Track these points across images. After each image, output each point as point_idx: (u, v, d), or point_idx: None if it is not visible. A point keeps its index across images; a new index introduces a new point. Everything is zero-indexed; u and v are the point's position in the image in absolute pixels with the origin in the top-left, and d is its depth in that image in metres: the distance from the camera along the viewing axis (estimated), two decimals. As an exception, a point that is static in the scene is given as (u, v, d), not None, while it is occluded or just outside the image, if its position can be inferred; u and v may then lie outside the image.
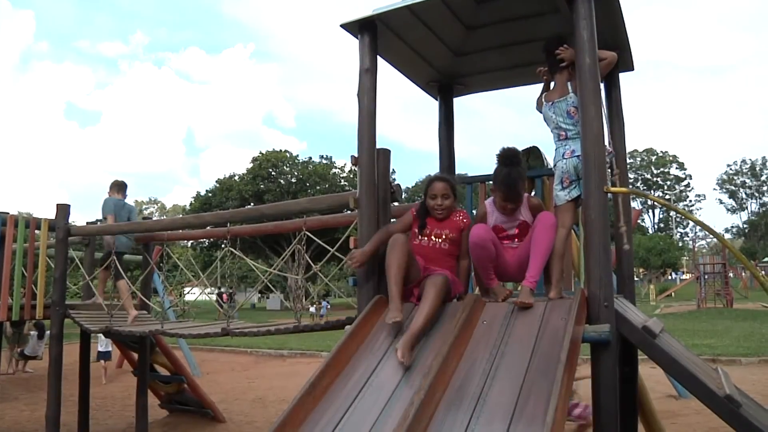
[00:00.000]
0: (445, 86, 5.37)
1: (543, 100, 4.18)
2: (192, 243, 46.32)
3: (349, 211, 4.80)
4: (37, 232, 7.08)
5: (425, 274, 3.68)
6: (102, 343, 11.88)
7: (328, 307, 32.52)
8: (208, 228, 7.38)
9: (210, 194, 48.68)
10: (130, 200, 8.06)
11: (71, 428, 7.60)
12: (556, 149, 4.17)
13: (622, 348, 3.77)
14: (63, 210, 7.10)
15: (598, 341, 3.31)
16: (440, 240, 3.82)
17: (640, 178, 78.29)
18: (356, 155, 4.02)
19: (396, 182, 4.13)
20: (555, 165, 4.18)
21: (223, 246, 6.89)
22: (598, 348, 3.42)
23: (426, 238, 3.84)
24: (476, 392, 2.86)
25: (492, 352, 3.09)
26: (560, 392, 2.62)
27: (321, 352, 14.38)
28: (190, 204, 51.41)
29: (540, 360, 2.96)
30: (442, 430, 2.66)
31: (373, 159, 4.05)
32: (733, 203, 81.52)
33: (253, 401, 9.91)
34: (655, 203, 76.66)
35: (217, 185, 49.38)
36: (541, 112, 4.21)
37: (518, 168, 3.71)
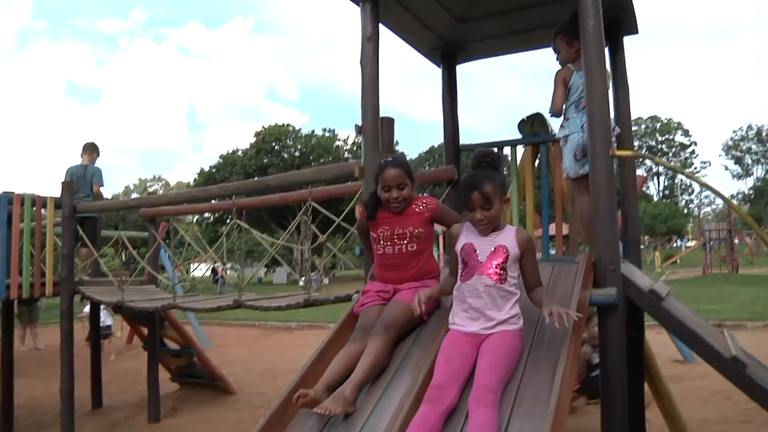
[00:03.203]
0: (447, 53, 5.33)
1: (572, 68, 4.16)
2: (197, 219, 46.49)
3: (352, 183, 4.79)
4: (43, 210, 7.14)
5: (393, 290, 3.21)
6: (104, 317, 11.95)
7: (326, 281, 31.97)
8: (214, 201, 7.42)
9: (214, 170, 48.72)
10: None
11: (85, 402, 7.73)
12: (570, 119, 4.16)
13: (628, 312, 3.78)
14: (68, 188, 7.13)
15: (605, 304, 3.33)
16: (405, 241, 3.19)
17: (644, 145, 77.81)
18: (360, 124, 4.01)
19: (401, 152, 4.12)
20: (568, 136, 4.17)
21: (228, 221, 6.91)
22: (605, 311, 3.44)
23: (389, 244, 3.21)
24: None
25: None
26: (567, 356, 2.63)
27: (328, 323, 14.51)
28: (194, 180, 51.47)
29: (544, 333, 2.96)
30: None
31: (377, 127, 4.05)
32: (739, 169, 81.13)
33: (262, 373, 10.03)
34: (661, 168, 76.42)
35: (221, 161, 49.40)
36: (558, 83, 4.20)
37: (489, 171, 2.82)
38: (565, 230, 5.44)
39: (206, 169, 50.41)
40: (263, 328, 15.99)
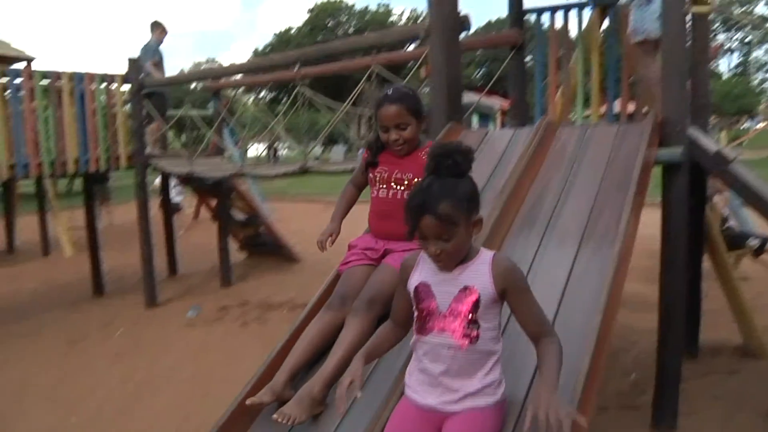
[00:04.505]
0: None
1: None
2: (252, 99, 46.85)
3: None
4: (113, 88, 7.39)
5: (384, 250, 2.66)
6: (174, 195, 12.49)
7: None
8: (275, 74, 7.46)
9: (268, 49, 48.43)
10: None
11: (161, 270, 8.29)
12: None
13: (691, 178, 3.78)
14: (134, 64, 7.31)
15: (670, 163, 3.36)
16: (401, 187, 2.64)
17: (719, 19, 72.73)
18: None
19: (464, 13, 4.05)
20: None
21: (282, 103, 6.96)
22: (669, 171, 3.47)
23: (384, 187, 2.69)
24: (548, 212, 2.99)
25: (565, 174, 3.19)
26: (632, 208, 2.72)
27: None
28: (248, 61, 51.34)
29: (612, 179, 3.04)
30: (515, 249, 2.82)
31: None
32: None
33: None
34: (734, 44, 71.70)
35: (275, 39, 48.97)
36: None
37: (449, 182, 1.74)
38: (630, 108, 5.30)
39: (260, 48, 50.16)
40: (323, 202, 16.42)
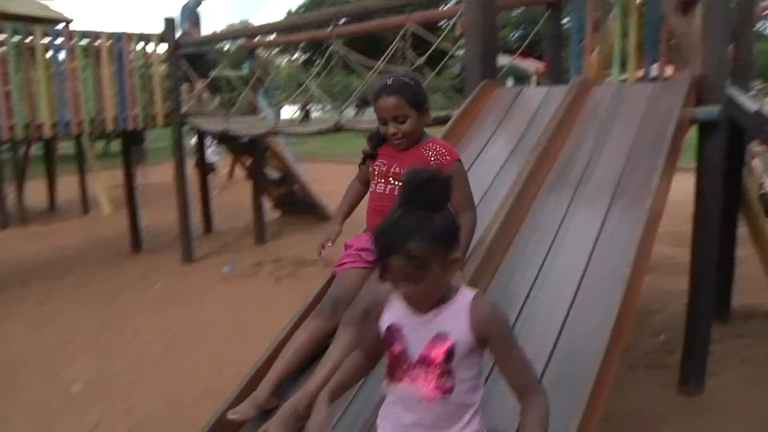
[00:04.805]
0: None
1: None
2: (287, 61, 46.77)
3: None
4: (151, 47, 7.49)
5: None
6: (209, 154, 12.64)
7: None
8: (310, 33, 7.46)
9: (302, 10, 48.03)
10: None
11: (197, 227, 8.46)
12: None
13: (729, 139, 3.72)
14: (170, 24, 7.38)
15: (707, 122, 3.32)
16: (398, 183, 2.36)
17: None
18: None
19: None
20: None
21: (315, 65, 6.97)
22: (706, 131, 3.43)
23: (382, 182, 2.47)
24: (580, 170, 3.01)
25: (598, 132, 3.19)
26: (665, 166, 2.71)
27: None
28: (282, 23, 51.01)
29: (646, 137, 3.03)
30: (546, 204, 2.85)
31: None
32: None
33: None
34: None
35: (308, 0, 48.55)
36: None
37: (420, 216, 1.46)
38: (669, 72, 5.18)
39: (294, 9, 49.78)
40: (355, 163, 16.49)
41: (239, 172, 11.24)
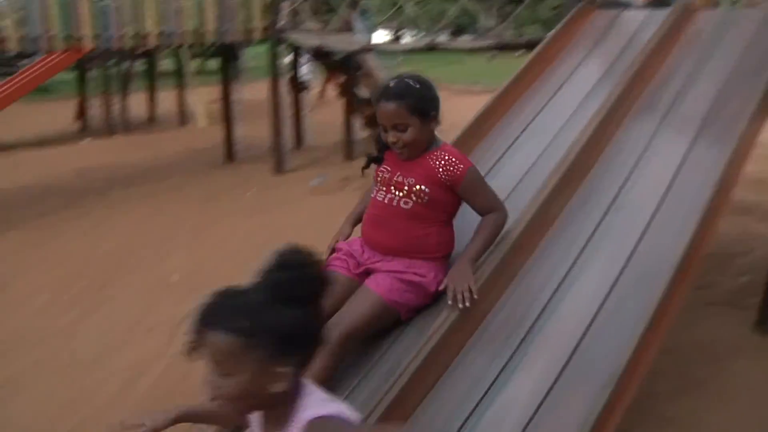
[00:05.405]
0: None
1: None
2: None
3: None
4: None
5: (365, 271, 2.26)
6: (303, 72, 12.76)
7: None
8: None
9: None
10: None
11: (288, 141, 8.73)
12: None
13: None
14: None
15: None
16: (400, 194, 2.20)
17: None
18: None
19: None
20: None
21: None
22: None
23: (384, 189, 2.26)
24: (672, 96, 2.93)
25: (697, 58, 3.08)
26: (764, 96, 2.61)
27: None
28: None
29: (748, 66, 2.91)
30: (633, 128, 2.80)
31: None
32: None
33: (448, 130, 10.48)
34: None
35: None
36: None
37: (263, 303, 1.18)
38: None
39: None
40: (449, 90, 16.21)
41: (331, 92, 11.38)
